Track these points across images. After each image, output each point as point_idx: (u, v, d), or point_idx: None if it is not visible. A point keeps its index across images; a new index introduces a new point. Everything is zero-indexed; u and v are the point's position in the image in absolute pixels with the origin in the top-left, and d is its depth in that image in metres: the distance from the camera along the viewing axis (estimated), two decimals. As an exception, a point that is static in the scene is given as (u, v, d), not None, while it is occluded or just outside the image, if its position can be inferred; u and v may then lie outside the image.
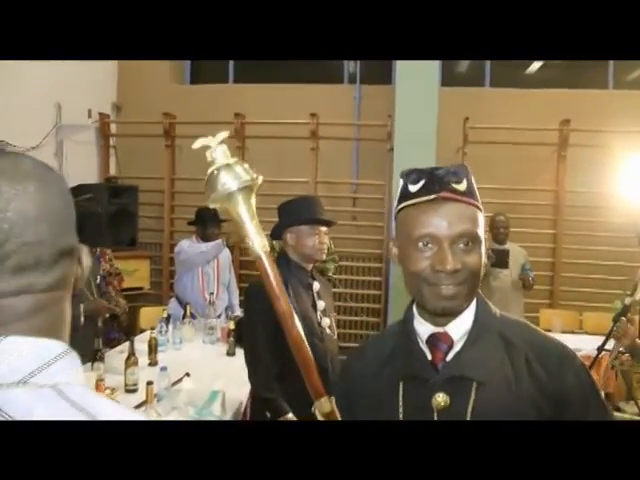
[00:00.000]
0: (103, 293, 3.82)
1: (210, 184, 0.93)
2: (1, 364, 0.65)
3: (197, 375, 3.33)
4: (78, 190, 4.56)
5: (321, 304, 2.68)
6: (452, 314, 1.19)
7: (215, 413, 2.82)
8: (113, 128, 7.19)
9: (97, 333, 3.36)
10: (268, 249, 0.96)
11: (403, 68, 6.08)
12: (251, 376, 2.65)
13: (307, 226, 2.63)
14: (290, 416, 2.48)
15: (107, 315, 3.69)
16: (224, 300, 5.08)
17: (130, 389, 3.10)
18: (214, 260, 4.98)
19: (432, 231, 1.13)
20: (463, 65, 7.54)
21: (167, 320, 4.27)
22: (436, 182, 1.15)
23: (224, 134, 0.94)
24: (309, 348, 0.98)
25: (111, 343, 4.08)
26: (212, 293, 4.85)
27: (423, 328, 1.23)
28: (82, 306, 3.29)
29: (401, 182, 1.22)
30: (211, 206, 0.95)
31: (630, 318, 3.07)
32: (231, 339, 4.05)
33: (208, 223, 4.89)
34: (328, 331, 2.67)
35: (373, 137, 6.79)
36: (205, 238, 4.91)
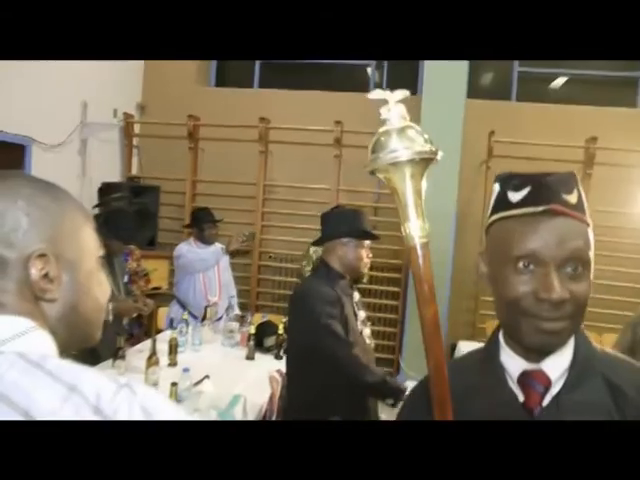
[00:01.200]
0: (128, 292, 3.81)
1: (376, 147, 0.80)
2: None
3: (216, 378, 3.30)
4: (106, 188, 4.56)
5: (361, 314, 2.66)
6: (550, 352, 1.00)
7: (237, 417, 2.79)
8: (137, 128, 7.22)
9: (120, 331, 3.35)
10: (427, 239, 0.83)
11: (430, 78, 6.07)
12: (344, 368, 2.43)
13: (358, 239, 2.62)
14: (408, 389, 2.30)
15: (135, 315, 3.69)
16: (225, 301, 4.97)
17: (150, 389, 3.07)
18: None
19: (537, 250, 0.95)
20: (488, 78, 7.51)
21: (187, 321, 4.24)
22: (544, 191, 0.96)
23: (404, 92, 0.81)
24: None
25: (132, 339, 4.05)
26: (233, 296, 4.85)
27: (513, 363, 1.03)
28: (111, 304, 3.28)
29: (497, 188, 1.03)
30: (371, 172, 0.83)
31: None
32: (250, 343, 4.02)
33: (204, 224, 4.82)
34: (368, 341, 2.64)
35: (397, 147, 6.73)
36: (203, 240, 4.82)
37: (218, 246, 4.75)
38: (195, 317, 4.49)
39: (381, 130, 0.80)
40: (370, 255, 2.69)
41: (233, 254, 4.93)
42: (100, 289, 0.86)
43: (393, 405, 2.36)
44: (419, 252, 0.83)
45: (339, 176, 6.69)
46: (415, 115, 6.09)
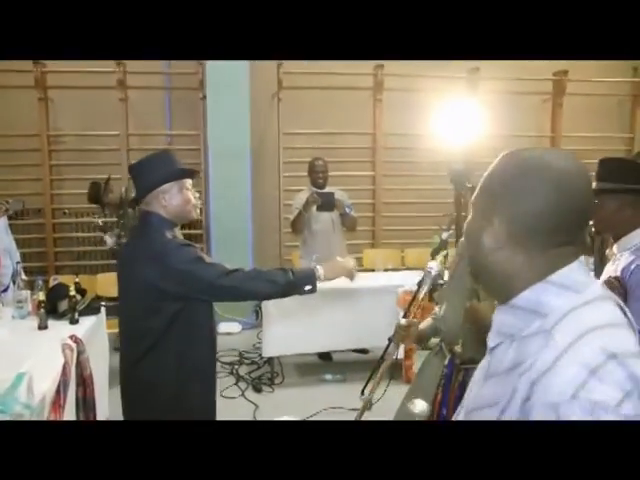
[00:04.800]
0: None
1: None
2: None
3: (4, 356, 3.03)
4: None
5: None
6: None
7: (21, 400, 2.57)
8: None
9: None
10: None
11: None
12: (245, 293, 2.29)
13: (184, 180, 2.38)
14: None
15: None
16: (8, 269, 4.59)
17: None
18: None
19: None
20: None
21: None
22: None
23: None
24: None
25: None
26: (18, 262, 4.46)
27: None
28: None
29: None
30: None
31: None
32: (41, 311, 3.73)
33: None
34: None
35: (185, 86, 6.56)
36: None
37: None
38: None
39: None
40: (197, 195, 2.48)
41: (11, 217, 4.50)
42: None
43: (312, 291, 2.27)
44: None
45: (127, 120, 6.39)
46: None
